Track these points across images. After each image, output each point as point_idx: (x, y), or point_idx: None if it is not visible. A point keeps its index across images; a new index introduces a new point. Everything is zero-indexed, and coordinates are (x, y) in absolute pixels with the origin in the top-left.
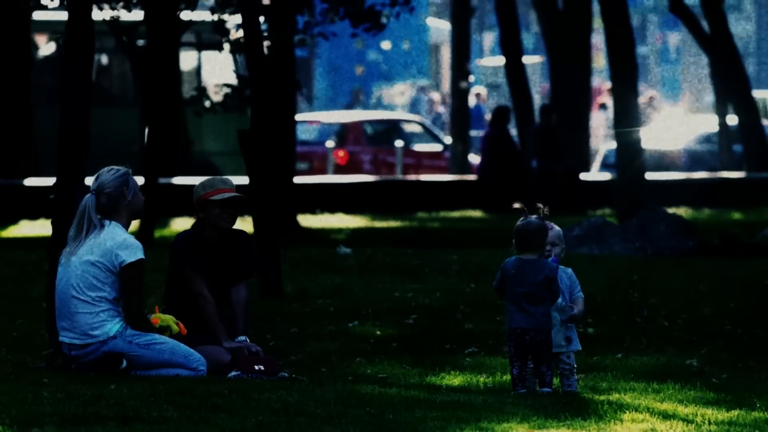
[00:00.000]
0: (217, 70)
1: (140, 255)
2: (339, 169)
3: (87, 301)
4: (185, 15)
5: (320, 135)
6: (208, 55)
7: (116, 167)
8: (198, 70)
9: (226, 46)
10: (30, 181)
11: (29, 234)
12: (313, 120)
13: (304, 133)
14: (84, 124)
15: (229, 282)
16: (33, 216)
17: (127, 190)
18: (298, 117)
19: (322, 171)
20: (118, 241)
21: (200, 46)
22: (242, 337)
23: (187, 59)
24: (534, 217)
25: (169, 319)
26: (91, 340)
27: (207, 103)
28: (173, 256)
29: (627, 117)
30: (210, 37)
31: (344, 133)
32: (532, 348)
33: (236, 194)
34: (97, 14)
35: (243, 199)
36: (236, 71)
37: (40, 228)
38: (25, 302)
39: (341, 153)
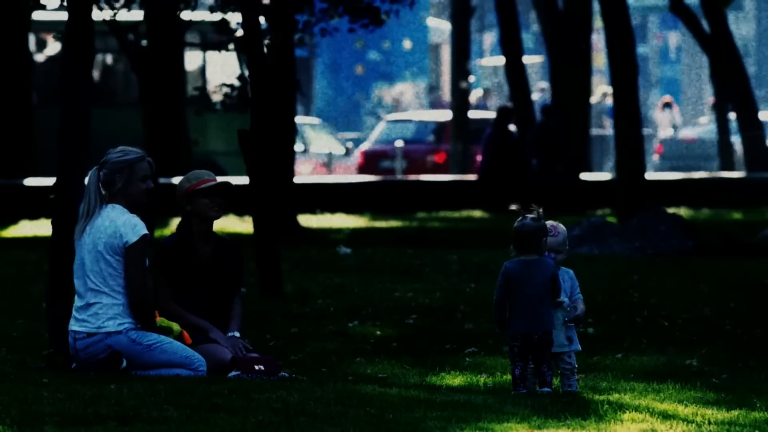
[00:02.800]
0: (222, 70)
1: (143, 231)
2: (437, 168)
3: (106, 293)
4: (190, 15)
5: (416, 134)
6: (212, 55)
7: (129, 151)
8: (203, 70)
9: (230, 46)
10: (30, 181)
11: (29, 234)
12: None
13: (401, 132)
14: (84, 124)
15: (220, 288)
16: (33, 216)
17: (119, 176)
18: (393, 116)
19: (422, 170)
20: (118, 222)
21: (204, 45)
22: (235, 333)
23: (192, 59)
24: (530, 217)
25: (171, 323)
26: (98, 331)
27: (217, 103)
28: (155, 262)
29: (628, 117)
30: (215, 37)
31: (441, 131)
32: (536, 348)
33: (222, 181)
34: (97, 14)
35: (229, 186)
36: (241, 71)
37: (40, 228)
38: (25, 302)
39: (439, 152)
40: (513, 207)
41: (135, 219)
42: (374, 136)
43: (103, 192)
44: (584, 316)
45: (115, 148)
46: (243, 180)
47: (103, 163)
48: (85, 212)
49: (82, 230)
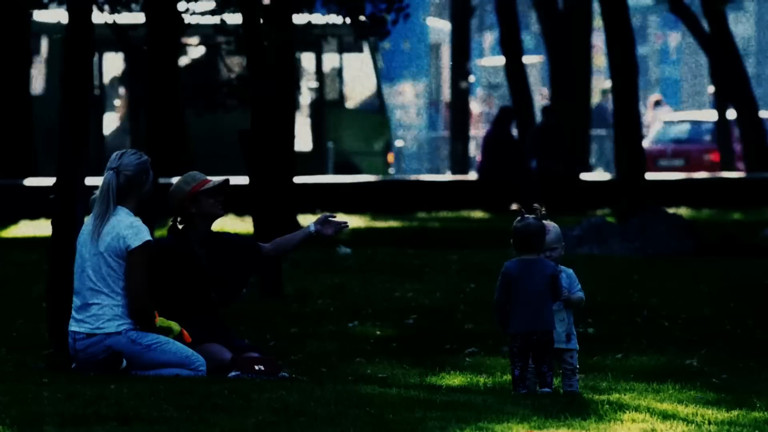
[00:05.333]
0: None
1: (146, 237)
2: (713, 167)
3: (105, 293)
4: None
5: (692, 133)
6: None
7: (138, 152)
8: (339, 72)
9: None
10: (30, 181)
11: (29, 234)
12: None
13: (677, 132)
14: (84, 124)
15: (218, 289)
16: (33, 216)
17: (146, 177)
18: (669, 117)
19: (699, 168)
20: (122, 226)
21: (341, 48)
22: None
23: (329, 61)
24: (531, 217)
25: (171, 323)
26: (97, 332)
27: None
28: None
29: (627, 117)
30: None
31: (716, 130)
32: (536, 348)
33: (223, 179)
34: (98, 15)
35: (228, 183)
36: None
37: (40, 228)
38: (25, 302)
39: (714, 151)
40: (514, 207)
41: (139, 223)
42: (651, 135)
43: (117, 195)
44: (582, 304)
45: (122, 152)
46: (243, 180)
47: (122, 166)
48: (100, 215)
49: (98, 233)
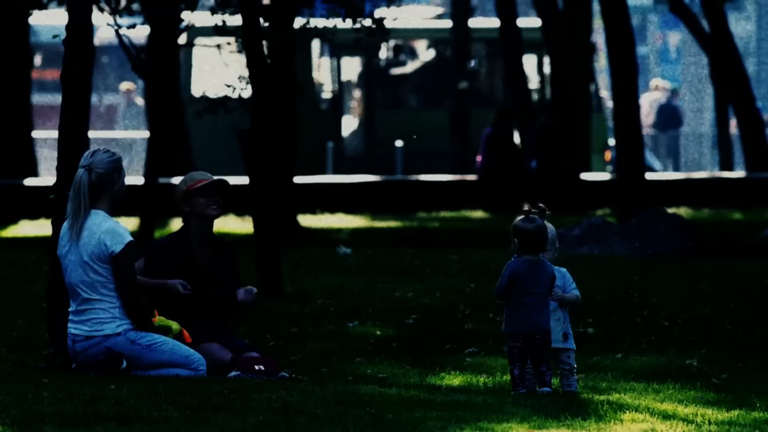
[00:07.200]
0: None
1: (127, 239)
2: None
3: (97, 299)
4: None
5: None
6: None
7: (111, 150)
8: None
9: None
10: (30, 181)
11: (29, 234)
12: None
13: None
14: (83, 124)
15: (216, 290)
16: (33, 216)
17: (118, 175)
18: None
19: None
20: (103, 230)
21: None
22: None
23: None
24: (537, 218)
25: (170, 322)
26: (96, 334)
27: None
28: (147, 258)
29: (627, 116)
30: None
31: None
32: (537, 348)
33: (217, 178)
34: (99, 16)
35: (225, 183)
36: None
37: (40, 228)
38: (25, 302)
39: None
40: (525, 208)
41: (118, 226)
42: None
43: (90, 194)
44: (578, 302)
45: (95, 150)
46: (243, 180)
47: (93, 164)
48: (73, 214)
49: (77, 234)
